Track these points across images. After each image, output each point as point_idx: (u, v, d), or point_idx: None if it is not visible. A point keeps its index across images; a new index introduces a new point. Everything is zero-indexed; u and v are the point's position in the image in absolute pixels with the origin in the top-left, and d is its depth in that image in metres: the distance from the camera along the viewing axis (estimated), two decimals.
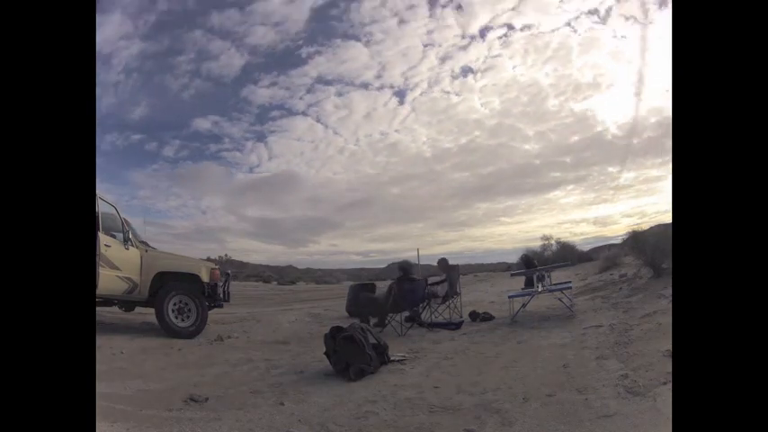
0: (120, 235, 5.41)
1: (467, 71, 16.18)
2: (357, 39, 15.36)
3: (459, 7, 14.48)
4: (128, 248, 5.44)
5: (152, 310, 5.66)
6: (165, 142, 17.81)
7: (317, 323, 6.79)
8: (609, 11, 15.13)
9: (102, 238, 4.97)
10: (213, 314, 6.09)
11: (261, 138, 17.74)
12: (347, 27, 15.30)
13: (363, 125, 17.54)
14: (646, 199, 18.26)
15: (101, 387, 1.87)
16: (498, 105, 17.37)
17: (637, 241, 8.42)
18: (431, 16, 14.93)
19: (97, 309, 5.36)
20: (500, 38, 15.24)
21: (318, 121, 16.70)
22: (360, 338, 3.59)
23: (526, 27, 15.19)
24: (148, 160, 17.64)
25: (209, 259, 7.66)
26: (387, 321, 5.64)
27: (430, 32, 15.27)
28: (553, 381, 3.04)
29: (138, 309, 5.98)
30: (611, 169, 18.18)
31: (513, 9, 15.09)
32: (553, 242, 18.23)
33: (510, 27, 14.95)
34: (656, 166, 17.05)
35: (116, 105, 15.53)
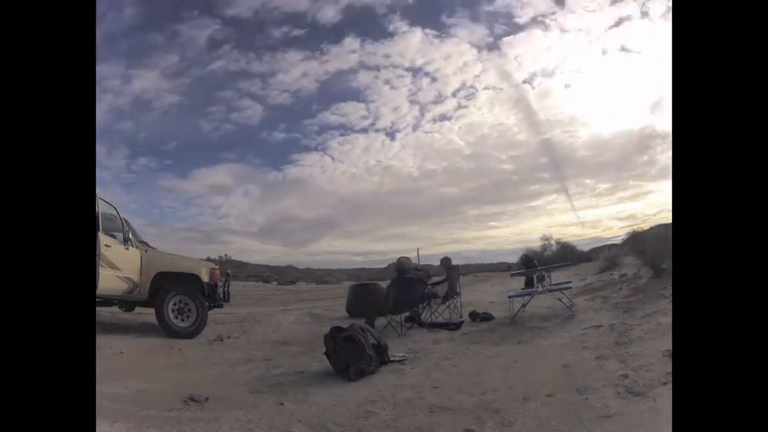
0: (120, 235, 5.41)
1: (443, 118, 20.87)
2: (356, 99, 20.24)
3: (434, 79, 19.73)
4: (128, 248, 5.44)
5: (152, 310, 5.66)
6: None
7: (317, 323, 6.79)
8: (559, 66, 20.37)
9: (102, 238, 4.97)
10: (213, 314, 6.09)
11: (277, 165, 22.53)
12: (348, 91, 20.14)
13: (362, 156, 21.64)
14: (630, 204, 21.56)
15: (101, 387, 1.86)
16: (473, 139, 21.76)
17: (637, 241, 8.43)
18: (413, 84, 19.69)
19: (97, 309, 5.36)
20: (467, 96, 20.11)
21: (325, 153, 20.88)
22: (360, 338, 3.59)
23: (489, 87, 20.23)
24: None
25: (209, 259, 7.66)
26: (388, 322, 5.63)
27: (413, 93, 19.95)
28: (553, 381, 3.04)
29: (138, 309, 5.99)
30: (587, 181, 22.07)
31: (477, 76, 19.70)
32: (553, 242, 18.29)
33: (475, 88, 19.77)
34: (631, 177, 21.01)
35: (156, 137, 19.55)
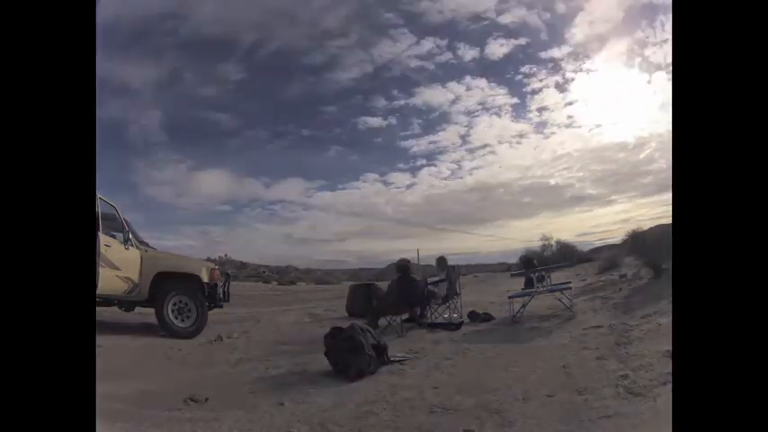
0: (120, 235, 5.41)
1: None
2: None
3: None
4: (128, 248, 5.44)
5: (152, 310, 5.67)
6: None
7: (317, 323, 6.79)
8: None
9: (103, 238, 4.97)
10: (213, 314, 6.09)
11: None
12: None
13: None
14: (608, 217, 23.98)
15: (101, 387, 1.86)
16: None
17: (636, 242, 8.43)
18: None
19: (97, 309, 5.36)
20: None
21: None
22: (360, 338, 3.59)
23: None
24: None
25: (208, 259, 7.66)
26: (388, 322, 5.63)
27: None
28: (553, 381, 3.04)
29: (138, 309, 5.99)
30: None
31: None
32: (553, 242, 18.31)
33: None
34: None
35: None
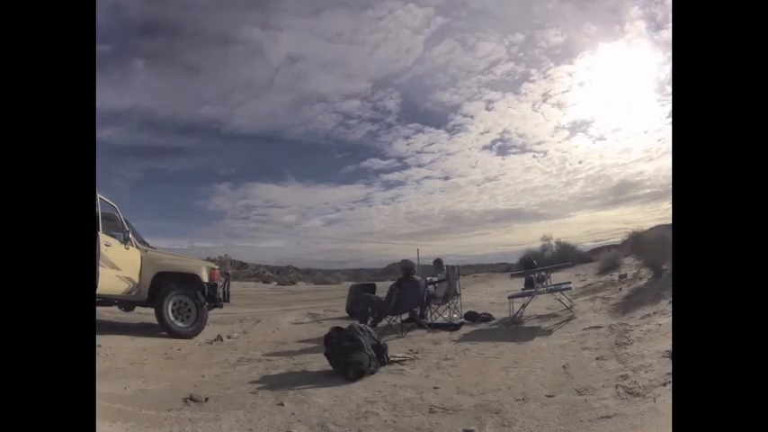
0: (120, 235, 5.41)
1: None
2: None
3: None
4: (128, 248, 5.44)
5: (152, 310, 5.67)
6: None
7: (317, 323, 6.80)
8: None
9: (103, 237, 4.97)
10: (213, 314, 6.09)
11: None
12: None
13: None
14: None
15: (101, 387, 1.86)
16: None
17: (636, 242, 8.42)
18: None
19: (97, 309, 5.36)
20: None
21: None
22: (360, 338, 3.59)
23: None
24: None
25: (208, 259, 7.67)
26: (388, 322, 5.63)
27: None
28: (553, 381, 3.04)
29: (138, 309, 5.99)
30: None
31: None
32: (553, 243, 18.30)
33: None
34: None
35: None
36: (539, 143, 27.09)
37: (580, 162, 26.32)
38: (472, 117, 25.70)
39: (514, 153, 27.46)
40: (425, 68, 26.16)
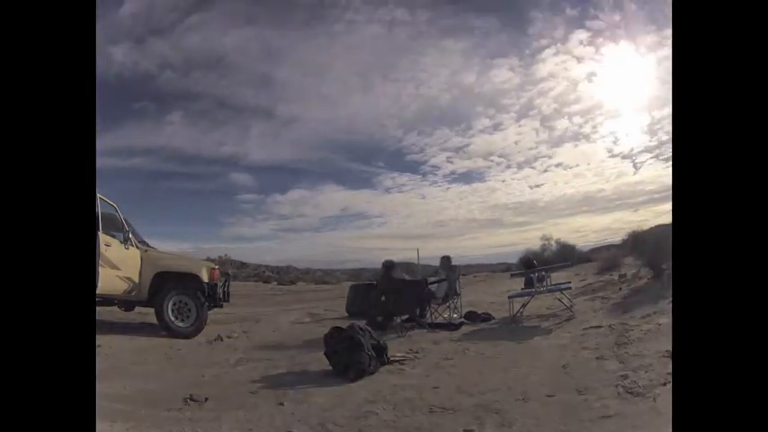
0: (120, 235, 5.41)
1: None
2: None
3: None
4: (128, 248, 5.44)
5: (152, 310, 5.67)
6: None
7: (317, 323, 6.79)
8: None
9: (103, 237, 4.97)
10: (213, 314, 6.09)
11: None
12: None
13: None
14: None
15: (101, 387, 1.86)
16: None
17: (636, 242, 8.42)
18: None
19: (97, 309, 5.36)
20: None
21: None
22: (360, 338, 3.59)
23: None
24: None
25: (208, 259, 7.66)
26: (385, 323, 5.63)
27: None
28: (553, 381, 3.04)
29: (138, 309, 5.99)
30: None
31: None
32: (553, 242, 18.27)
33: None
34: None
35: None
36: None
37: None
38: None
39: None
40: None
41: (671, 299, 4.68)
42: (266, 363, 4.09)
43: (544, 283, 6.37)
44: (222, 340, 5.27)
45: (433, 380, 3.30)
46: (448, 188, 24.30)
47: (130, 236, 5.54)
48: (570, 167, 23.36)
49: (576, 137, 24.84)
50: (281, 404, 2.81)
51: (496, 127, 23.25)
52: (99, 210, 4.94)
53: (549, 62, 20.56)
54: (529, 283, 6.77)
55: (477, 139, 23.11)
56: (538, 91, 22.04)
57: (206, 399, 2.91)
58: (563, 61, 20.48)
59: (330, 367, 3.56)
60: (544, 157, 23.91)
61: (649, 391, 2.54)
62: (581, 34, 20.05)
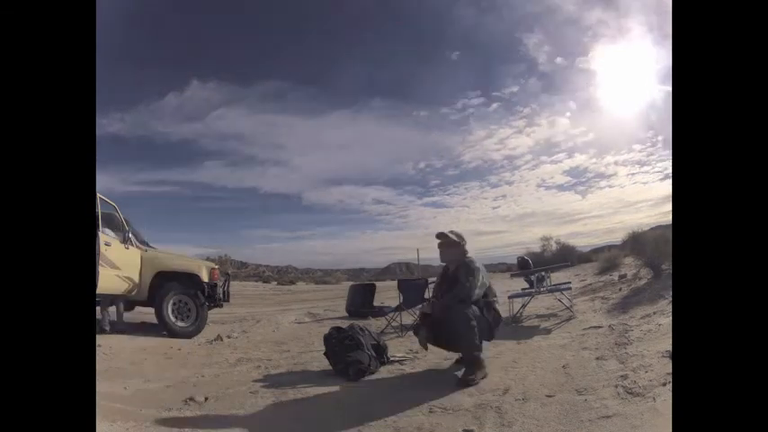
0: (121, 234, 5.42)
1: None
2: None
3: None
4: (128, 248, 5.44)
5: (152, 310, 5.67)
6: None
7: (317, 323, 6.80)
8: None
9: (103, 237, 4.97)
10: (213, 314, 6.09)
11: None
12: None
13: None
14: None
15: (101, 387, 1.86)
16: None
17: (636, 242, 8.43)
18: None
19: (97, 308, 5.37)
20: None
21: None
22: (360, 338, 3.59)
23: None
24: None
25: (208, 259, 7.67)
26: (388, 322, 5.63)
27: None
28: (553, 381, 3.04)
29: (138, 309, 5.99)
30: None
31: None
32: (553, 243, 18.31)
33: None
34: None
35: None
36: None
37: None
38: None
39: None
40: None
41: (671, 299, 4.69)
42: (266, 363, 4.09)
43: (544, 284, 6.38)
44: (222, 340, 5.27)
45: (433, 380, 3.30)
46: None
47: (130, 235, 5.54)
48: None
49: None
50: (281, 404, 2.81)
51: None
52: (99, 209, 4.94)
53: None
54: (529, 284, 6.78)
55: None
56: None
57: (206, 399, 2.91)
58: None
59: (330, 367, 3.57)
60: None
61: (649, 391, 2.53)
62: None
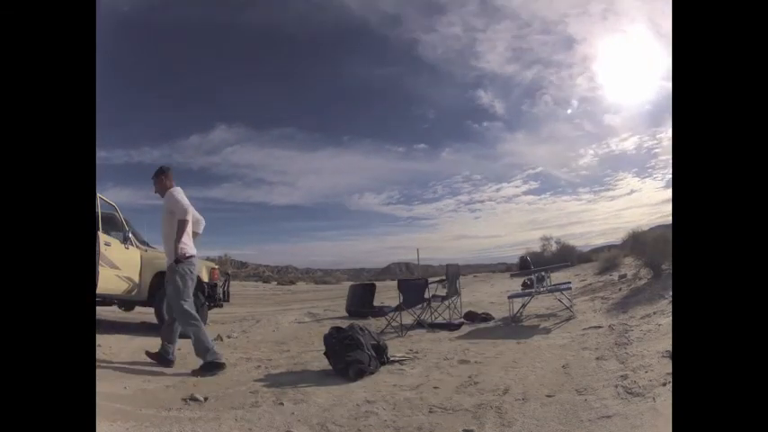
0: (120, 234, 5.42)
1: None
2: None
3: None
4: (128, 248, 5.44)
5: (152, 310, 5.67)
6: None
7: (317, 323, 6.80)
8: None
9: (103, 237, 4.97)
10: (213, 314, 6.09)
11: None
12: None
13: None
14: None
15: (101, 387, 1.85)
16: None
17: (636, 242, 8.43)
18: None
19: (97, 308, 5.36)
20: None
21: None
22: (360, 338, 3.59)
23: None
24: None
25: (208, 259, 7.67)
26: (387, 322, 5.63)
27: None
28: (553, 381, 3.04)
29: (137, 308, 5.99)
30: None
31: None
32: (553, 243, 18.32)
33: None
34: None
35: None
36: None
37: None
38: None
39: None
40: None
41: (671, 299, 4.69)
42: (266, 362, 4.09)
43: (544, 284, 6.38)
44: (222, 340, 5.27)
45: (433, 380, 3.30)
46: None
47: (130, 235, 5.54)
48: None
49: None
50: (281, 404, 2.81)
51: None
52: (99, 210, 4.94)
53: None
54: (529, 284, 6.78)
55: None
56: None
57: (206, 399, 2.91)
58: None
59: (330, 367, 3.56)
60: None
61: (649, 391, 2.53)
62: None
